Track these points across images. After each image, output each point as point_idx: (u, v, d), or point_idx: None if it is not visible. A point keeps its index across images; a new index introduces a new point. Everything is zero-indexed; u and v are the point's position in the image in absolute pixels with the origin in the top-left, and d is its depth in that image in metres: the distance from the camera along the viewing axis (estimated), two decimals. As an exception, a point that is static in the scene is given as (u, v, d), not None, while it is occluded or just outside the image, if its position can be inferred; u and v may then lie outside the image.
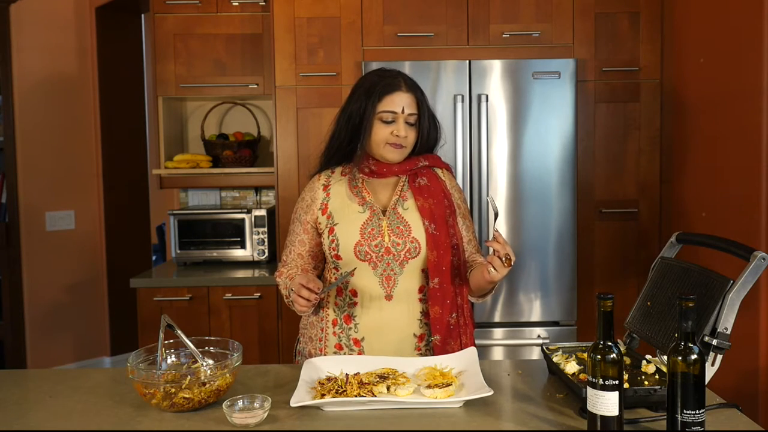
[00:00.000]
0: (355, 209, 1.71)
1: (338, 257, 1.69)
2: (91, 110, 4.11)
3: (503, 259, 1.51)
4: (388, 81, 1.69)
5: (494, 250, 1.52)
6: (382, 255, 1.66)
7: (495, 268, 1.52)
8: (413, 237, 1.67)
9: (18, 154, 3.71)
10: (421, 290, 1.70)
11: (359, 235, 1.67)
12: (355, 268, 1.66)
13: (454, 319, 1.68)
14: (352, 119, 1.70)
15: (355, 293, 1.69)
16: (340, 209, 1.72)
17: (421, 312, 1.70)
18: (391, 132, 1.67)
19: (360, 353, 1.68)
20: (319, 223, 1.74)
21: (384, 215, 1.70)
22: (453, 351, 1.65)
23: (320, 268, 1.82)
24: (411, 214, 1.70)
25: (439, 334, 1.65)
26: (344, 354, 1.69)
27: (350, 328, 1.69)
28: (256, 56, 3.26)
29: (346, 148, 1.73)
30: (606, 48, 2.89)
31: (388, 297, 1.68)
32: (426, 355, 1.68)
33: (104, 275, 4.17)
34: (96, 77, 4.10)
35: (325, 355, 1.71)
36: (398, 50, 2.89)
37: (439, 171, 1.79)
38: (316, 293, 1.55)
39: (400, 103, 1.67)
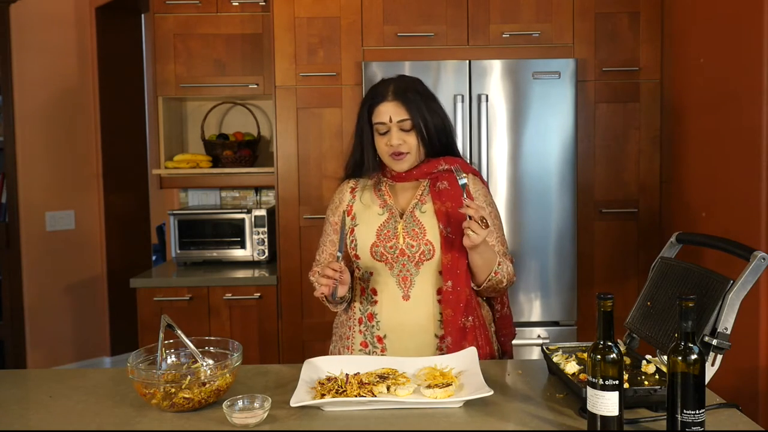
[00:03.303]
0: (375, 211, 1.76)
1: (357, 257, 1.74)
2: (91, 110, 4.11)
3: (480, 221, 1.54)
4: (376, 91, 1.73)
5: (469, 216, 1.55)
6: (396, 256, 1.70)
7: (474, 231, 1.55)
8: (427, 239, 1.70)
9: (18, 154, 3.71)
10: (440, 292, 1.71)
11: (375, 236, 1.72)
12: (344, 218, 1.75)
13: (470, 322, 1.69)
14: (358, 135, 1.77)
15: (375, 292, 1.74)
16: (362, 211, 1.77)
17: (441, 313, 1.70)
18: (385, 143, 1.71)
19: (383, 350, 1.72)
20: (345, 224, 1.78)
21: (401, 218, 1.73)
22: None
23: (351, 267, 1.83)
24: (427, 217, 1.72)
25: (451, 336, 1.67)
26: (369, 351, 1.73)
27: (373, 326, 1.74)
28: (256, 56, 3.26)
29: (362, 162, 1.77)
30: (606, 48, 2.89)
31: (406, 297, 1.71)
32: None
33: (104, 275, 4.17)
34: (96, 77, 4.09)
35: (352, 351, 1.75)
36: (398, 50, 2.89)
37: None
38: (337, 270, 1.60)
39: (386, 112, 1.69)
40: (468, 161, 2.75)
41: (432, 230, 1.70)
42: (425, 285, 1.71)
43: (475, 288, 1.73)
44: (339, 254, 1.65)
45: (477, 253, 1.64)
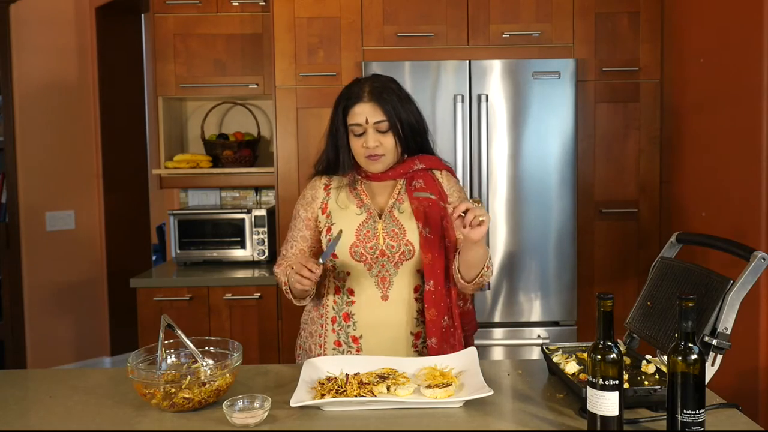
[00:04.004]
0: (353, 211, 1.74)
1: (335, 256, 1.72)
2: (91, 110, 4.11)
3: (475, 204, 1.51)
4: (351, 92, 1.70)
5: (465, 213, 1.50)
6: (377, 257, 1.69)
7: (479, 216, 1.49)
8: (407, 240, 1.69)
9: (18, 154, 3.71)
10: (416, 290, 1.72)
11: (354, 237, 1.70)
12: (341, 231, 1.67)
13: (447, 321, 1.70)
14: (332, 136, 1.75)
15: (352, 293, 1.72)
16: (338, 210, 1.74)
17: (417, 311, 1.72)
18: (361, 144, 1.69)
19: (358, 350, 1.71)
20: (319, 222, 1.78)
21: (380, 218, 1.72)
22: (446, 352, 1.66)
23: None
24: (406, 217, 1.72)
25: (435, 336, 1.67)
26: (343, 350, 1.72)
27: (349, 326, 1.72)
28: (256, 56, 3.26)
29: (336, 162, 1.75)
30: (606, 48, 2.89)
31: (384, 297, 1.71)
32: (422, 354, 1.70)
33: (104, 275, 4.17)
34: (96, 77, 4.09)
35: (324, 349, 1.74)
36: (398, 50, 2.89)
37: (437, 173, 1.79)
38: (315, 272, 1.56)
39: (362, 114, 1.67)
40: (468, 161, 2.77)
41: (411, 230, 1.70)
42: (403, 285, 1.71)
43: (463, 282, 1.68)
44: (321, 261, 1.60)
45: (481, 245, 1.60)
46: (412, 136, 1.72)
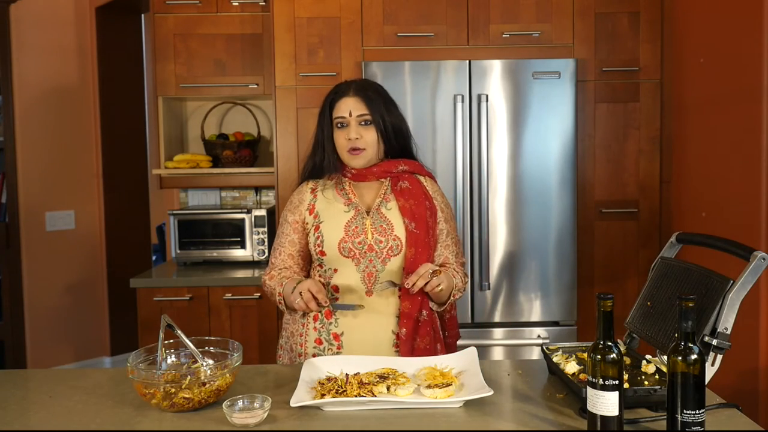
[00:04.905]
0: (340, 208, 1.77)
1: (323, 253, 1.74)
2: (91, 110, 4.11)
3: (434, 275, 1.61)
4: (337, 89, 1.80)
5: (423, 285, 1.61)
6: (365, 252, 1.71)
7: (439, 285, 1.62)
8: (395, 235, 1.72)
9: (18, 154, 3.71)
10: (401, 288, 1.73)
11: (343, 232, 1.73)
12: (362, 307, 1.70)
13: (425, 316, 1.73)
14: (319, 133, 1.80)
15: (336, 289, 1.74)
16: (326, 209, 1.78)
17: (399, 310, 1.72)
18: (344, 137, 1.74)
19: (339, 348, 1.73)
20: (306, 223, 1.80)
21: (368, 214, 1.75)
22: (420, 346, 1.70)
23: (308, 269, 1.85)
24: (393, 214, 1.75)
25: (405, 327, 1.69)
26: (324, 348, 1.74)
27: (330, 323, 1.74)
28: (256, 56, 3.26)
29: (321, 162, 1.79)
30: (606, 48, 2.89)
31: (369, 293, 1.73)
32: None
33: (104, 275, 4.17)
34: (96, 77, 4.09)
35: (305, 348, 1.75)
36: (398, 50, 2.89)
37: (421, 177, 1.84)
38: (321, 305, 1.62)
39: (347, 107, 1.74)
40: (468, 161, 2.77)
41: (399, 226, 1.73)
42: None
43: (437, 310, 1.77)
44: (332, 307, 1.68)
45: (444, 285, 1.67)
46: (395, 137, 1.77)
